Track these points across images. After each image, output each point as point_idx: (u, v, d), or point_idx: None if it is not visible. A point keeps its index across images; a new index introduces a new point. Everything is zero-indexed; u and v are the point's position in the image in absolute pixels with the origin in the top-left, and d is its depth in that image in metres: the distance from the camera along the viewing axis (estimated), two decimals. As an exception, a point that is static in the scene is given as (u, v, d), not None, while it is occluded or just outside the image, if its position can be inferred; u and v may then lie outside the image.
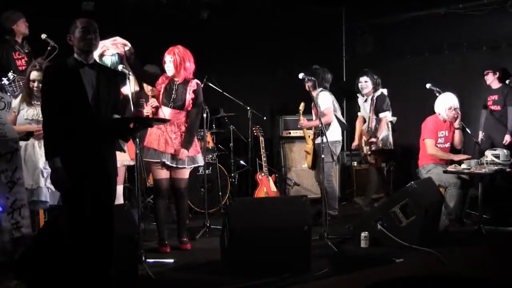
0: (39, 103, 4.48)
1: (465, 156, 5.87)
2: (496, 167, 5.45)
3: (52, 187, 4.18)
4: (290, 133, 7.38)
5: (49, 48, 5.36)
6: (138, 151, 4.29)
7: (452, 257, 4.53)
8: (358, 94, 6.57)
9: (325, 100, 5.97)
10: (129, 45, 4.63)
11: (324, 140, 5.19)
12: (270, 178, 6.72)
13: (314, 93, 5.73)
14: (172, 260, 4.54)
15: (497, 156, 5.54)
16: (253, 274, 3.98)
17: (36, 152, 4.56)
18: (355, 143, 6.64)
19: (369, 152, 6.38)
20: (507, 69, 6.74)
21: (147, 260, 4.29)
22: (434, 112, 5.98)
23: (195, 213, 6.32)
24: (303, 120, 6.35)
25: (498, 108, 6.64)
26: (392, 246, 4.78)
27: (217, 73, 6.69)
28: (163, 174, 4.84)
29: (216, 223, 5.45)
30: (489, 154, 5.59)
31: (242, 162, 7.25)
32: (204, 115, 5.60)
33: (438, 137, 5.90)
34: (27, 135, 4.50)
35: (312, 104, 5.95)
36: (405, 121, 7.35)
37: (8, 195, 4.23)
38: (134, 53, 4.61)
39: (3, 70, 5.31)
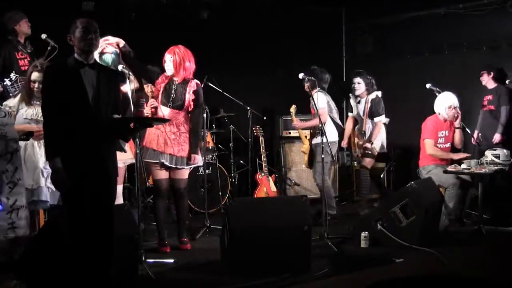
0: (38, 102, 4.48)
1: (465, 155, 5.88)
2: (496, 167, 5.45)
3: (52, 186, 4.17)
4: (290, 133, 7.37)
5: (49, 48, 5.36)
6: (138, 151, 4.29)
7: (452, 257, 4.53)
8: (350, 95, 6.53)
9: (320, 101, 5.93)
10: (123, 42, 4.63)
11: (325, 140, 5.18)
12: (270, 178, 6.72)
13: (313, 93, 5.74)
14: (172, 260, 4.54)
15: (497, 156, 5.53)
16: (253, 274, 3.97)
17: (36, 152, 4.56)
18: (344, 141, 6.60)
19: (360, 155, 6.35)
20: (503, 69, 6.78)
21: (147, 260, 4.28)
22: (434, 112, 5.97)
23: (195, 213, 6.32)
24: (296, 121, 6.36)
25: (492, 107, 6.68)
26: (392, 246, 4.77)
27: (217, 73, 6.69)
28: (163, 174, 4.84)
29: (216, 223, 5.45)
30: (489, 154, 5.59)
31: (241, 161, 7.25)
32: (204, 115, 5.60)
33: (438, 137, 5.89)
34: (27, 135, 4.49)
35: (311, 104, 5.95)
36: (405, 121, 7.35)
37: (8, 196, 4.22)
38: (131, 50, 4.62)
39: (6, 70, 5.32)
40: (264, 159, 6.71)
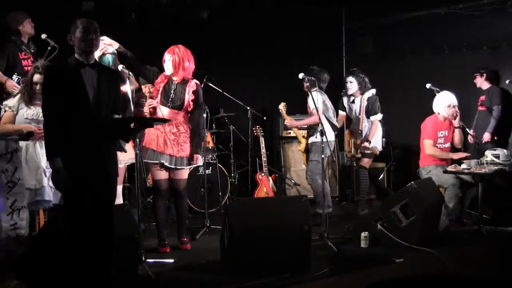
0: (39, 102, 4.48)
1: (464, 154, 5.89)
2: (496, 167, 5.45)
3: (55, 186, 4.18)
4: (290, 133, 7.37)
5: (49, 48, 5.36)
6: (138, 151, 4.29)
7: (452, 257, 4.54)
8: (342, 93, 6.49)
9: (315, 100, 5.91)
10: (116, 45, 4.64)
11: (321, 139, 5.17)
12: (270, 178, 6.72)
13: (318, 93, 5.74)
14: (172, 260, 4.54)
15: (497, 156, 5.53)
16: (253, 274, 3.97)
17: (38, 152, 4.55)
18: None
19: (359, 155, 6.33)
20: (496, 70, 6.85)
21: (147, 260, 4.28)
22: (434, 112, 5.98)
23: (195, 213, 6.32)
24: (289, 120, 6.35)
25: (484, 108, 6.74)
26: (392, 246, 4.77)
27: (217, 73, 6.69)
28: (162, 174, 4.83)
29: (216, 223, 5.45)
30: (489, 154, 5.59)
31: (241, 161, 7.25)
32: (204, 115, 5.59)
33: (438, 137, 5.89)
34: (27, 135, 4.50)
35: (308, 103, 5.95)
36: (405, 121, 7.36)
37: (8, 196, 4.22)
38: (127, 51, 4.62)
39: (9, 70, 5.33)
40: (264, 159, 6.71)
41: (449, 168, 5.60)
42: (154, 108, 4.85)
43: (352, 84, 6.28)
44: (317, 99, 5.73)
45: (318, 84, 5.94)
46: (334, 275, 4.14)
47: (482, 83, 6.83)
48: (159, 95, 4.82)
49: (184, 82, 4.84)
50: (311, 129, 6.06)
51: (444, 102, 5.86)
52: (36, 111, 4.58)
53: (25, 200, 4.32)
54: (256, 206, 4.43)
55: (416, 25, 7.81)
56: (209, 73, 6.41)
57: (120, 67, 4.55)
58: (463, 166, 5.53)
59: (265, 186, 6.64)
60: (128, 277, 3.90)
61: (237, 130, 7.15)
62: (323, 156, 5.24)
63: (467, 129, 6.24)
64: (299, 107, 6.51)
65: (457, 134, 5.92)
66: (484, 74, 6.78)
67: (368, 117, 6.25)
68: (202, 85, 5.22)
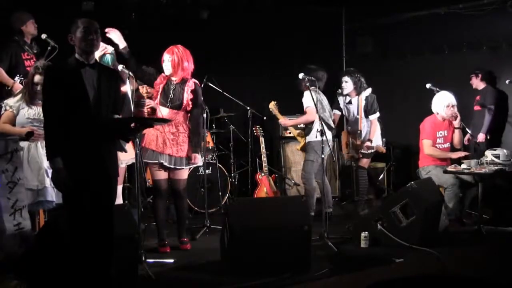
0: (40, 102, 4.48)
1: (463, 153, 5.88)
2: (496, 167, 5.45)
3: (57, 186, 4.18)
4: (290, 133, 7.37)
5: (49, 48, 5.37)
6: (138, 151, 4.29)
7: (452, 257, 4.54)
8: (337, 92, 6.46)
9: (308, 99, 5.90)
10: (111, 49, 4.64)
11: (319, 139, 5.16)
12: (270, 178, 6.72)
13: (305, 92, 5.73)
14: (172, 260, 4.54)
15: (497, 156, 5.53)
16: (253, 274, 3.97)
17: (39, 153, 4.54)
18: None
19: (360, 156, 6.33)
20: (492, 71, 6.89)
21: (147, 260, 4.28)
22: (433, 112, 5.97)
23: (195, 213, 6.32)
24: (283, 119, 6.35)
25: (479, 108, 6.75)
26: (392, 246, 4.77)
27: (217, 73, 6.68)
28: (162, 175, 4.83)
29: (216, 223, 5.45)
30: (489, 154, 5.58)
31: (241, 161, 7.25)
32: (204, 115, 5.59)
33: (437, 137, 5.89)
34: (27, 136, 4.50)
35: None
36: (405, 121, 7.36)
37: (9, 196, 4.22)
38: (128, 51, 4.63)
39: (12, 70, 5.33)
40: (264, 159, 6.71)
41: (449, 168, 5.60)
42: (152, 108, 4.85)
43: (347, 84, 6.27)
44: (315, 98, 5.74)
45: (317, 84, 5.94)
46: (334, 275, 4.14)
47: (477, 83, 6.91)
48: (159, 96, 4.82)
49: (183, 82, 4.83)
50: (307, 128, 6.05)
51: (443, 102, 5.86)
52: (37, 111, 4.58)
53: (26, 200, 4.32)
54: (256, 206, 4.43)
55: (416, 25, 7.82)
56: (209, 73, 6.41)
57: (120, 67, 4.55)
58: (463, 166, 5.53)
59: (265, 186, 6.64)
60: (128, 277, 3.90)
61: (237, 130, 7.15)
62: (323, 156, 5.23)
63: (467, 129, 6.24)
64: (299, 107, 6.49)
65: (456, 135, 5.92)
66: (480, 75, 6.86)
67: (366, 117, 6.25)
68: (202, 85, 5.22)
